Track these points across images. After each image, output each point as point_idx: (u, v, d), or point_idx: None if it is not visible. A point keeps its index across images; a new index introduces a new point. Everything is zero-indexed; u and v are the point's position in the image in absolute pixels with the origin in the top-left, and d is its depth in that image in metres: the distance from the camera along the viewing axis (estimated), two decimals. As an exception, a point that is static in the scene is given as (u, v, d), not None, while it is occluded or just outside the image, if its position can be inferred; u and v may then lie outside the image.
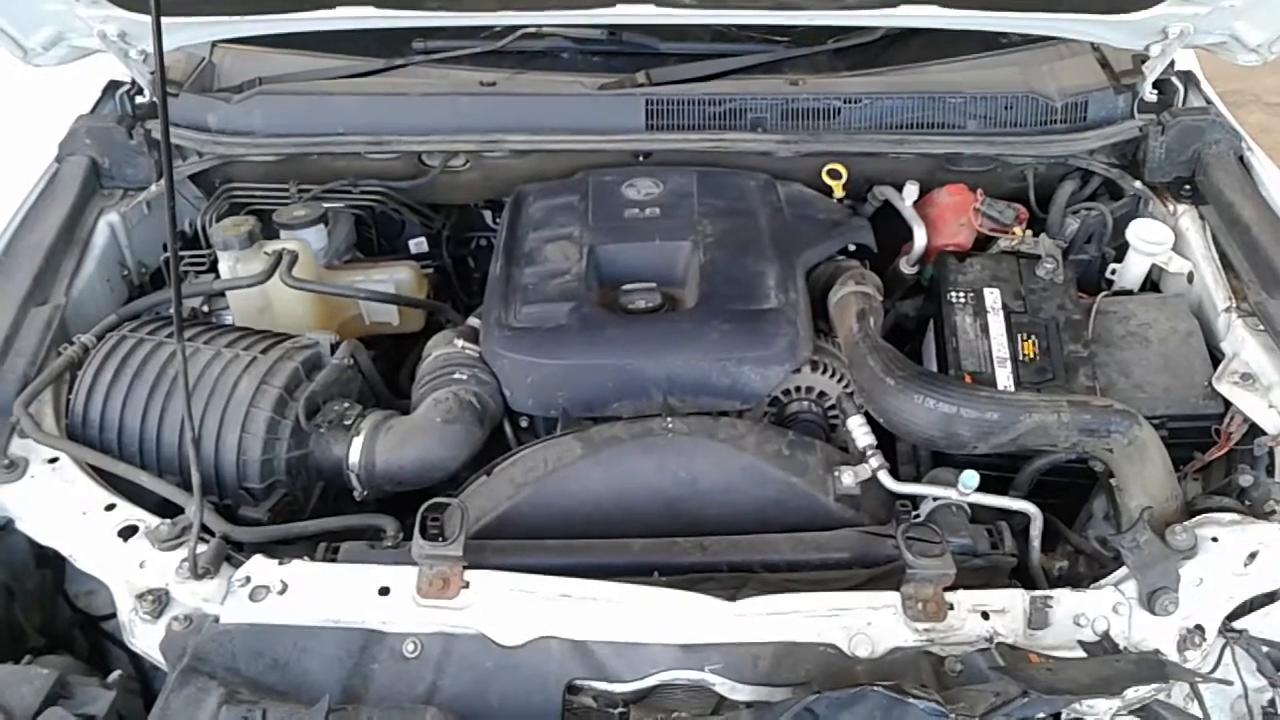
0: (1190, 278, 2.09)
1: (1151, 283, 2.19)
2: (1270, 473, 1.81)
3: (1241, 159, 2.19)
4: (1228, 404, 1.86)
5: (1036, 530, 1.69)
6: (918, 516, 1.69)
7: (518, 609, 1.46)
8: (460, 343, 1.91)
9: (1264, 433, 1.80)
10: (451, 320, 2.16)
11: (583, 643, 1.43)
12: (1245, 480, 1.72)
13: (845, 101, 2.23)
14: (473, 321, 2.04)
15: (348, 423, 1.79)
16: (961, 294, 2.00)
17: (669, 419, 1.74)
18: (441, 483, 1.80)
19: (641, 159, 2.25)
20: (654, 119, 2.24)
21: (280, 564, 1.52)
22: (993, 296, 2.00)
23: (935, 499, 1.70)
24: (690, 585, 1.56)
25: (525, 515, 1.68)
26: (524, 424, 1.93)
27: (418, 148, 2.26)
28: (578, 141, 2.23)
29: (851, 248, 2.11)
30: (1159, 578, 1.55)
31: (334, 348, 1.88)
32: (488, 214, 2.50)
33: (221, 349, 1.80)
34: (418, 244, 2.47)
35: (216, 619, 1.47)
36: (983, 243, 2.16)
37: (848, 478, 1.70)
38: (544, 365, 1.84)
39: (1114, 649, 1.54)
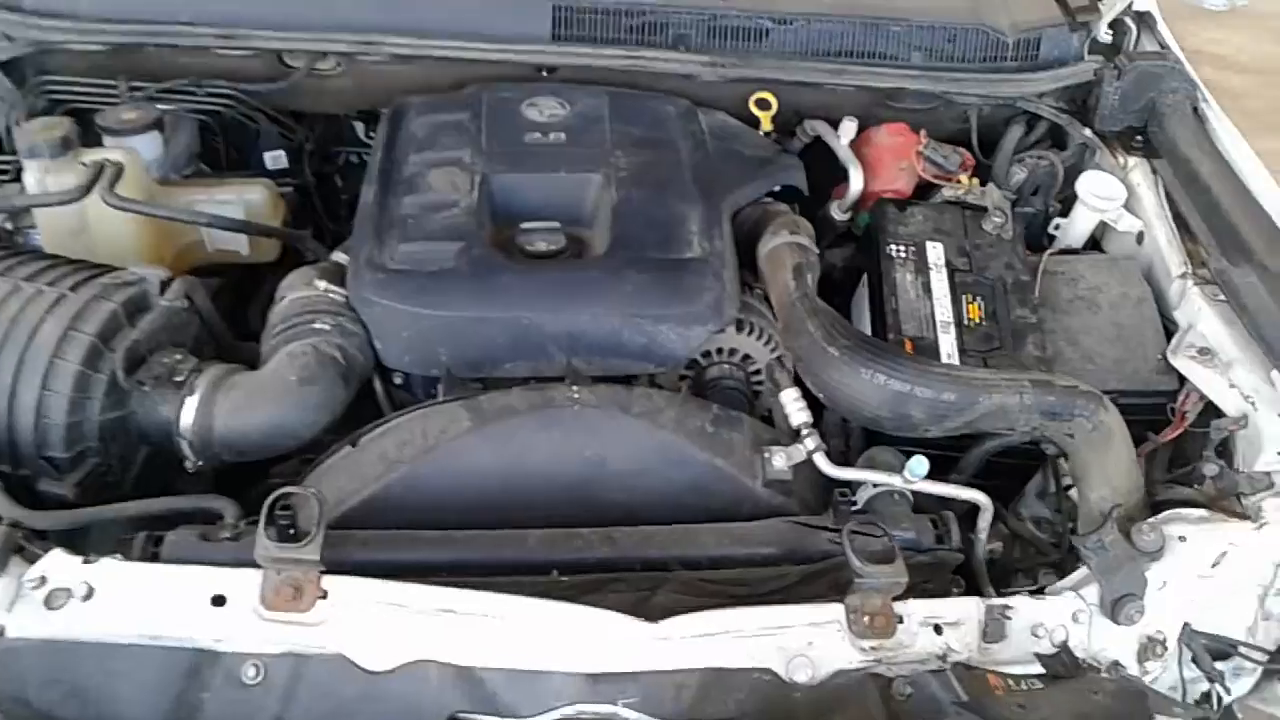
0: (1140, 238, 1.92)
1: (1094, 241, 2.01)
2: (1227, 458, 1.66)
3: (1196, 111, 2.01)
4: (1182, 380, 1.70)
5: (985, 522, 1.49)
6: (855, 504, 1.48)
7: (388, 625, 1.19)
8: (322, 284, 1.60)
9: (1222, 414, 1.64)
10: (313, 253, 1.84)
11: (469, 669, 1.17)
12: (1210, 470, 1.56)
13: (775, 22, 1.96)
14: (338, 257, 1.73)
15: (179, 378, 1.46)
16: (902, 247, 1.78)
17: (574, 387, 1.47)
18: (294, 452, 1.50)
19: (545, 74, 1.94)
20: (561, 28, 1.93)
21: (86, 562, 1.21)
22: (935, 251, 1.79)
23: (876, 486, 1.48)
24: (596, 586, 1.33)
25: (399, 499, 1.40)
26: (398, 382, 1.64)
27: (278, 45, 1.90)
28: (471, 49, 1.91)
29: (778, 189, 1.86)
30: (1125, 583, 1.38)
31: (164, 285, 1.54)
32: (359, 126, 2.15)
33: (19, 282, 1.45)
34: (274, 158, 2.09)
35: (2, 631, 1.16)
36: (923, 190, 1.94)
37: (779, 460, 1.47)
38: (424, 316, 1.54)
39: (1073, 663, 1.36)
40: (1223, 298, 1.73)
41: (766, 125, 1.96)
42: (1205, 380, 1.66)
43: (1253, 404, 1.59)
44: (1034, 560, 1.58)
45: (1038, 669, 1.36)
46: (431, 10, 1.92)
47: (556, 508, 1.42)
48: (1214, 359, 1.67)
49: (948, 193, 1.86)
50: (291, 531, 1.21)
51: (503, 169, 1.72)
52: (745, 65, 1.92)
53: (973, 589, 1.47)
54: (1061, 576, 1.51)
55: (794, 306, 1.54)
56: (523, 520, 1.40)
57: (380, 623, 1.19)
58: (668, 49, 1.93)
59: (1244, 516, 1.48)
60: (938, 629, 1.31)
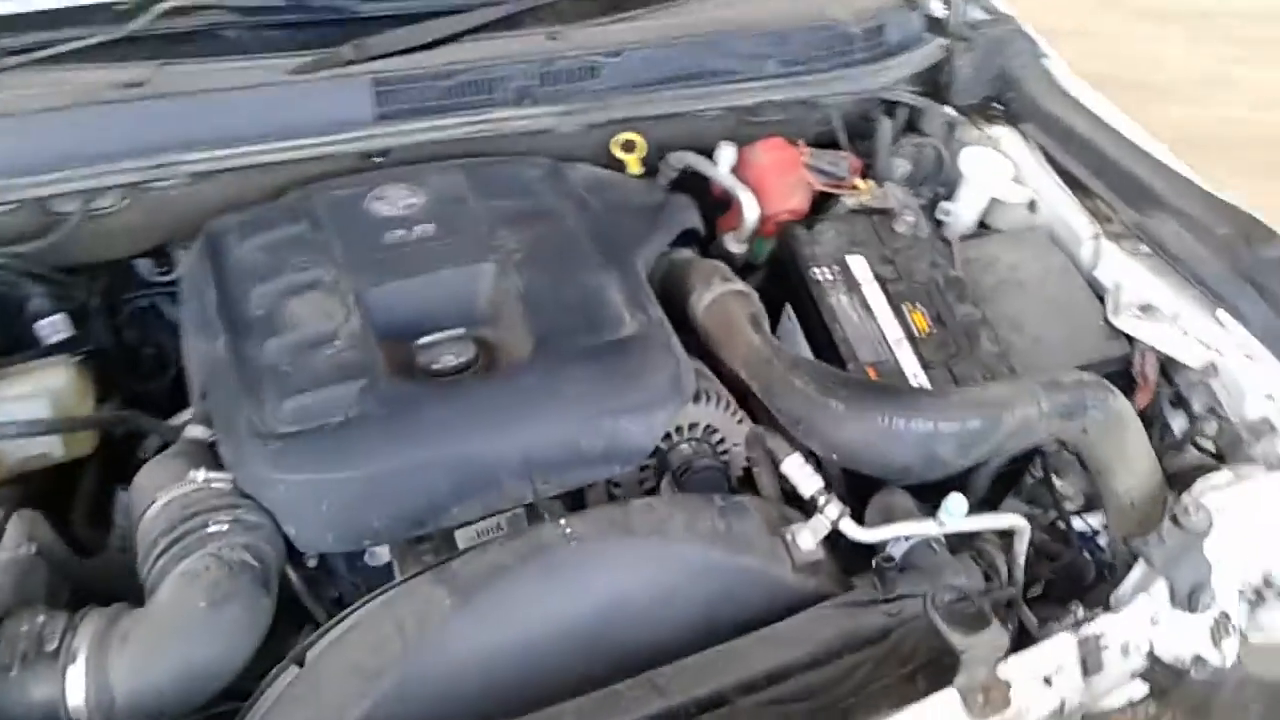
0: (1032, 206, 1.86)
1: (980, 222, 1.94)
2: (1188, 410, 1.61)
3: (1044, 70, 1.98)
4: (1132, 342, 1.64)
5: (1022, 546, 1.36)
6: (891, 563, 1.31)
7: None
8: (201, 474, 1.27)
9: (1183, 367, 1.59)
10: (154, 431, 1.49)
11: None
12: (1210, 428, 1.49)
13: (609, 55, 1.76)
14: (193, 433, 1.39)
15: (50, 646, 1.11)
16: (825, 269, 1.63)
17: (560, 521, 1.23)
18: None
19: (378, 161, 1.67)
20: (385, 104, 1.65)
21: None
22: (860, 265, 1.65)
23: (907, 539, 1.32)
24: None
25: (394, 714, 1.10)
26: (311, 565, 1.33)
27: (40, 190, 1.54)
28: (283, 149, 1.61)
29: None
30: (1191, 571, 1.28)
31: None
32: (144, 264, 1.79)
33: None
34: (52, 327, 1.71)
35: None
36: (817, 204, 1.80)
37: (805, 539, 1.28)
38: (346, 480, 1.25)
39: (1169, 671, 1.25)
40: (1145, 250, 1.68)
41: (635, 168, 1.77)
42: (1158, 337, 1.60)
43: (1217, 350, 1.54)
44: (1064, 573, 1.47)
45: (1135, 689, 1.24)
46: (225, 112, 1.60)
47: (579, 667, 1.17)
48: (1158, 313, 1.62)
49: (850, 201, 1.73)
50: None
51: (375, 280, 1.44)
52: (603, 108, 1.72)
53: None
54: (1071, 581, 1.41)
55: (770, 364, 1.36)
56: (546, 694, 1.14)
57: None
58: (513, 106, 1.70)
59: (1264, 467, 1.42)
60: (1047, 681, 1.17)
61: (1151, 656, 1.26)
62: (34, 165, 1.53)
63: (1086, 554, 1.49)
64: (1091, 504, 1.58)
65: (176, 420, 1.51)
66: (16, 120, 1.54)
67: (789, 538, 1.28)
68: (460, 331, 1.42)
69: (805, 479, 1.31)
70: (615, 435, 1.34)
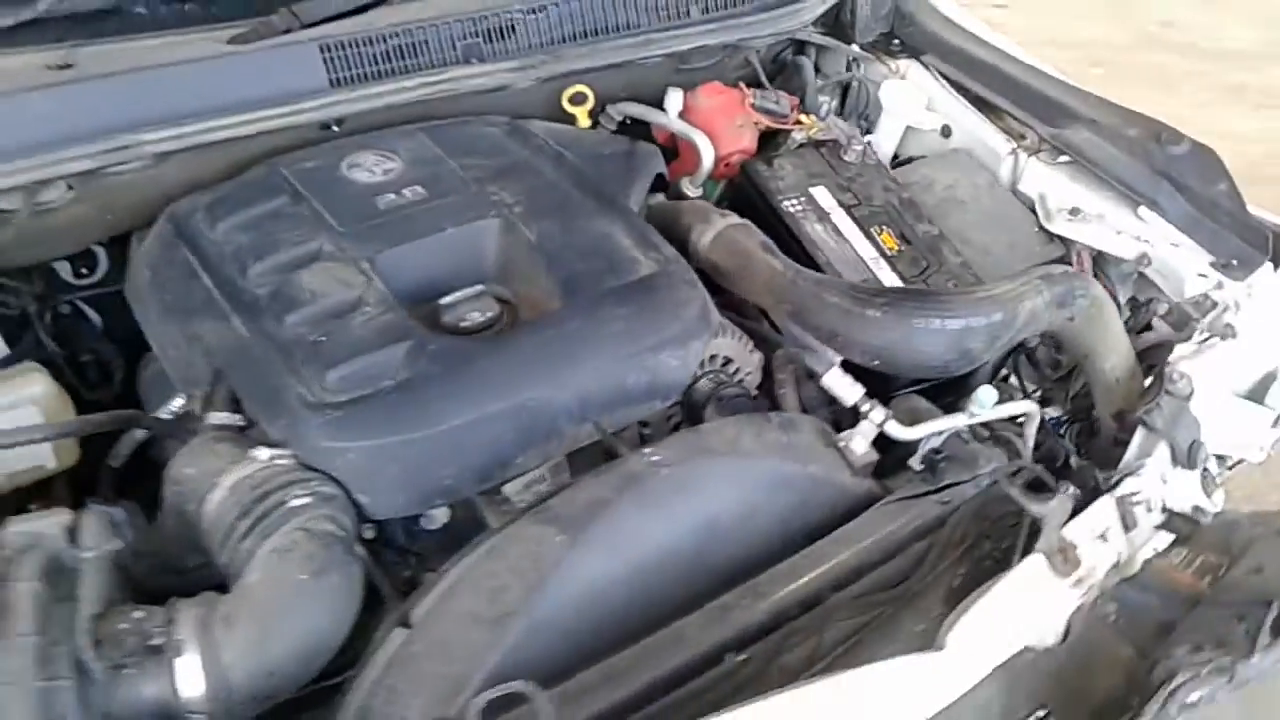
0: (946, 131, 1.99)
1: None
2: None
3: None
4: (1067, 244, 1.80)
5: (1032, 430, 1.48)
6: (940, 454, 1.39)
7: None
8: (264, 452, 1.21)
9: (1114, 261, 1.77)
10: (158, 430, 1.40)
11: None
12: (1160, 308, 1.66)
13: (530, 12, 1.74)
14: (218, 419, 1.32)
15: (155, 640, 1.04)
16: (794, 200, 1.70)
17: (647, 452, 1.24)
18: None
19: (334, 129, 1.61)
20: (336, 70, 1.59)
21: None
22: (823, 195, 1.73)
23: (942, 432, 1.41)
24: (775, 651, 1.15)
25: (530, 658, 1.10)
26: (369, 537, 1.30)
27: None
28: (236, 123, 1.53)
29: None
30: (1186, 431, 1.43)
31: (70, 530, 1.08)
32: (64, 266, 1.66)
33: None
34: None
35: None
36: (763, 142, 1.86)
37: (859, 444, 1.35)
38: (417, 441, 1.22)
39: (1186, 520, 1.39)
40: (1064, 159, 1.84)
41: (584, 120, 1.78)
42: (1091, 235, 1.76)
43: (1147, 241, 1.72)
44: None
45: (1160, 540, 1.38)
46: (179, 88, 1.51)
47: (682, 589, 1.20)
48: (1086, 215, 1.78)
49: (799, 136, 1.81)
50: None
51: (383, 245, 1.40)
52: (556, 61, 1.72)
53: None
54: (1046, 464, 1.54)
55: (795, 284, 1.42)
56: (657, 618, 1.17)
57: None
58: (467, 64, 1.67)
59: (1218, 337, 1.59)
60: (1102, 538, 1.28)
61: (1166, 510, 1.39)
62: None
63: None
64: (1047, 399, 1.74)
65: (165, 410, 1.42)
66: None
67: (843, 444, 1.34)
68: (479, 288, 1.41)
69: (847, 389, 1.38)
70: (657, 370, 1.36)
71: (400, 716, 1.09)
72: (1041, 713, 1.08)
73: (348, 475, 1.21)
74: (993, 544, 1.31)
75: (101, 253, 1.64)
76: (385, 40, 1.62)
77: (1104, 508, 1.31)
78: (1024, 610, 1.14)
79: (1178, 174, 1.72)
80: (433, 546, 1.32)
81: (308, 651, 1.10)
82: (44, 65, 1.49)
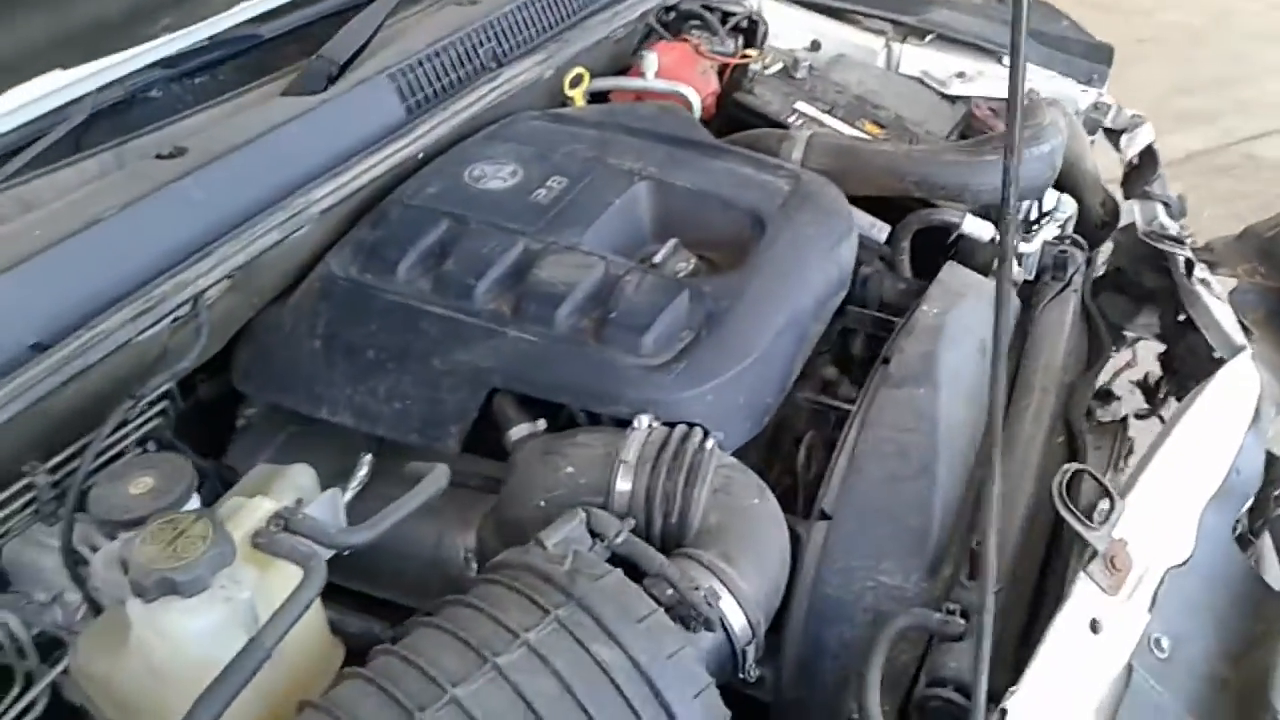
0: (815, 45, 2.32)
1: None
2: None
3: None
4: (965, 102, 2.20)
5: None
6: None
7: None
8: (645, 419, 1.26)
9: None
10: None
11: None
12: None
13: (522, 7, 1.86)
14: (523, 430, 1.34)
15: (689, 595, 1.11)
16: (791, 116, 1.95)
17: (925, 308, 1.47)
18: None
19: (421, 157, 1.62)
20: (410, 96, 1.61)
21: None
22: (806, 107, 1.99)
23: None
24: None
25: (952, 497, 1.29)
26: None
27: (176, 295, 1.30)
28: (350, 174, 1.51)
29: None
30: (1163, 191, 1.89)
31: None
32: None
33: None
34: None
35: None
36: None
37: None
38: (748, 369, 1.34)
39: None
40: (928, 39, 2.23)
41: (580, 101, 1.91)
42: (982, 89, 2.17)
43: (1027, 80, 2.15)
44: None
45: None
46: (290, 152, 1.46)
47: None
48: (970, 75, 2.19)
49: (756, 66, 2.05)
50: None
51: (577, 229, 1.48)
52: (565, 46, 1.83)
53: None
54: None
55: (912, 156, 1.71)
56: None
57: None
58: (500, 68, 1.74)
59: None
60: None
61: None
62: (144, 269, 1.29)
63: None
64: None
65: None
66: (102, 226, 1.28)
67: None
68: (674, 241, 1.52)
69: (984, 228, 1.67)
70: (840, 260, 1.57)
71: (875, 580, 1.25)
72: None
73: (707, 417, 1.31)
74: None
75: None
76: (437, 58, 1.66)
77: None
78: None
79: (1033, 26, 2.17)
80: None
81: (785, 562, 1.22)
82: (154, 156, 1.38)
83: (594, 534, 1.13)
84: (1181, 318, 1.65)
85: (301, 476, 1.30)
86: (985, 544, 0.92)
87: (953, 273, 1.58)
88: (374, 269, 1.44)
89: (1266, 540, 1.43)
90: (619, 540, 1.12)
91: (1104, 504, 1.14)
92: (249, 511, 1.08)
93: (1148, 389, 1.78)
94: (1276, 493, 1.33)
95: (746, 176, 1.61)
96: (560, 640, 0.99)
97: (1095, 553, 1.13)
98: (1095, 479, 1.15)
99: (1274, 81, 4.52)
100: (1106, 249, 1.90)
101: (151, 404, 1.25)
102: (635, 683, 0.98)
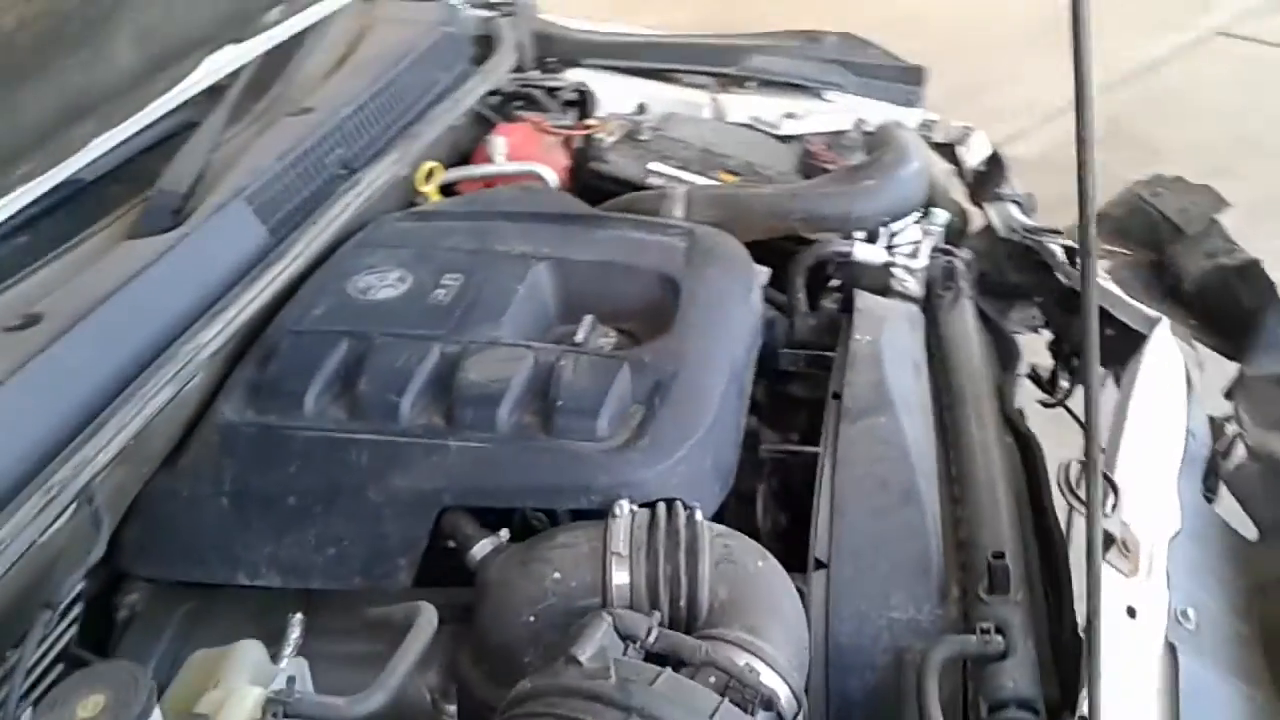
0: (641, 108, 2.30)
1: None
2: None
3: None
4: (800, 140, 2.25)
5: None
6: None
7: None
8: (624, 506, 1.18)
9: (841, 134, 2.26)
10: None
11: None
12: None
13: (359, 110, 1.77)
14: (488, 546, 1.24)
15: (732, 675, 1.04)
16: (649, 177, 1.94)
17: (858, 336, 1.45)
18: None
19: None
20: (273, 217, 1.49)
21: None
22: (661, 166, 1.98)
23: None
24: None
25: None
26: None
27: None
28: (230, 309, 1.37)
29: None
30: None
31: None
32: None
33: None
34: None
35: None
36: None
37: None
38: (709, 431, 1.29)
39: None
40: (750, 85, 2.27)
41: (435, 196, 1.83)
42: (813, 126, 2.22)
43: (850, 110, 2.22)
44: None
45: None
46: (160, 296, 1.32)
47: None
48: (798, 115, 2.24)
49: (598, 135, 2.02)
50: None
51: (488, 324, 1.39)
52: (411, 141, 1.75)
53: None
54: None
55: (795, 195, 1.74)
56: None
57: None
58: (355, 173, 1.64)
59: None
60: None
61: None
62: (29, 456, 1.12)
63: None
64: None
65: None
66: None
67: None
68: (589, 318, 1.45)
69: (875, 252, 1.69)
70: (758, 310, 1.57)
71: (887, 619, 1.21)
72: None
73: (681, 488, 1.24)
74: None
75: None
76: (288, 173, 1.55)
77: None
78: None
79: (840, 56, 2.25)
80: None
81: (803, 619, 1.17)
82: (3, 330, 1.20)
83: (623, 637, 1.03)
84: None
85: (252, 652, 1.14)
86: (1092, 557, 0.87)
87: (865, 300, 1.58)
88: (277, 407, 1.30)
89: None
90: (652, 639, 1.03)
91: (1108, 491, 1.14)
92: (237, 704, 0.94)
93: (1039, 380, 1.83)
94: (1222, 450, 1.37)
95: (640, 240, 1.57)
96: (637, 756, 0.89)
97: (1111, 539, 1.12)
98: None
99: (1019, 86, 4.90)
100: (965, 254, 1.95)
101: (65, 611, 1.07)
102: (725, 778, 0.90)
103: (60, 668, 1.06)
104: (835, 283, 1.80)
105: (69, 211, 1.46)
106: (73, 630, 1.10)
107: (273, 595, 1.29)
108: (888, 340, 1.47)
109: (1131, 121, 4.88)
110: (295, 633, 1.11)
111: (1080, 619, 1.18)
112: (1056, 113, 4.77)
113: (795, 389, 1.59)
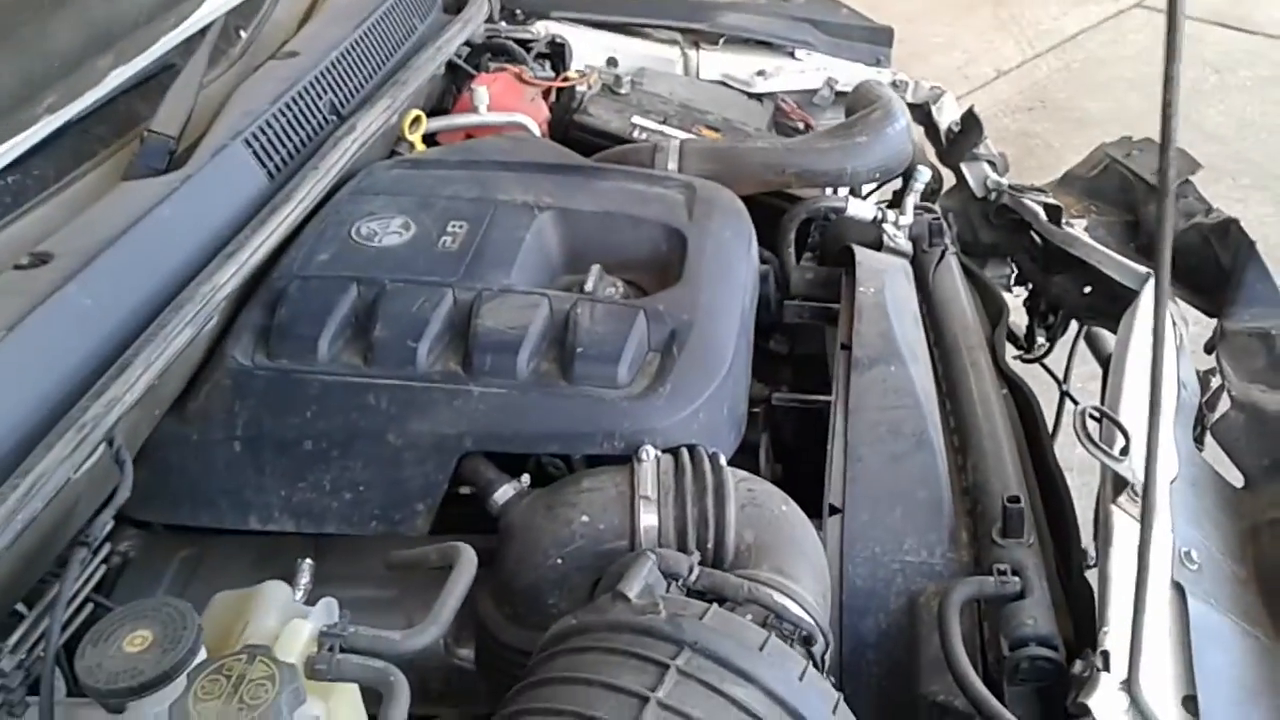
0: (612, 61, 2.28)
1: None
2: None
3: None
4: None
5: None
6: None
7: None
8: (649, 452, 1.20)
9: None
10: None
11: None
12: None
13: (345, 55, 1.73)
14: (511, 491, 1.24)
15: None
16: (634, 131, 1.93)
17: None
18: None
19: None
20: (270, 160, 1.46)
21: None
22: (643, 120, 1.98)
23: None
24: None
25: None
26: None
27: None
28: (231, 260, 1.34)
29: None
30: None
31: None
32: None
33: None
34: None
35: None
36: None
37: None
38: (725, 379, 1.30)
39: None
40: (722, 41, 2.28)
41: (420, 146, 1.80)
42: (784, 83, 2.25)
43: (822, 69, 2.24)
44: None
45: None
46: (178, 240, 1.28)
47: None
48: (769, 72, 2.25)
49: (581, 87, 2.01)
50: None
51: (499, 270, 1.38)
52: (402, 88, 1.71)
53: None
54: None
55: (790, 149, 1.74)
56: None
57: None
58: (347, 119, 1.61)
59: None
60: None
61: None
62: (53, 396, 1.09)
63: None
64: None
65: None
66: None
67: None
68: (596, 267, 1.45)
69: (867, 208, 1.71)
70: (756, 261, 1.58)
71: (901, 562, 1.24)
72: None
73: (701, 435, 1.25)
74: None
75: None
76: (282, 116, 1.50)
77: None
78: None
79: (810, 16, 2.27)
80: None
81: (824, 560, 1.20)
82: (12, 268, 1.16)
83: (666, 575, 1.04)
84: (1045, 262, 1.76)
85: (279, 592, 1.13)
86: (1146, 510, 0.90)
87: (864, 254, 1.61)
88: (289, 352, 1.28)
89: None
90: (694, 577, 1.04)
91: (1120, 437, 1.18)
92: (290, 638, 0.93)
93: (1015, 336, 1.89)
94: (1208, 401, 1.44)
95: (641, 192, 1.57)
96: (690, 690, 0.91)
97: (1124, 483, 1.17)
98: (1108, 416, 1.19)
99: (950, 54, 5.01)
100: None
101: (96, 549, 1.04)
102: (778, 713, 0.92)
103: (90, 607, 1.04)
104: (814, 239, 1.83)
105: (56, 150, 1.39)
106: (102, 569, 1.07)
107: (274, 542, 1.28)
108: (890, 293, 1.50)
109: (1057, 92, 5.03)
110: (305, 578, 1.10)
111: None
112: (986, 80, 4.90)
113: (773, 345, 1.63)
